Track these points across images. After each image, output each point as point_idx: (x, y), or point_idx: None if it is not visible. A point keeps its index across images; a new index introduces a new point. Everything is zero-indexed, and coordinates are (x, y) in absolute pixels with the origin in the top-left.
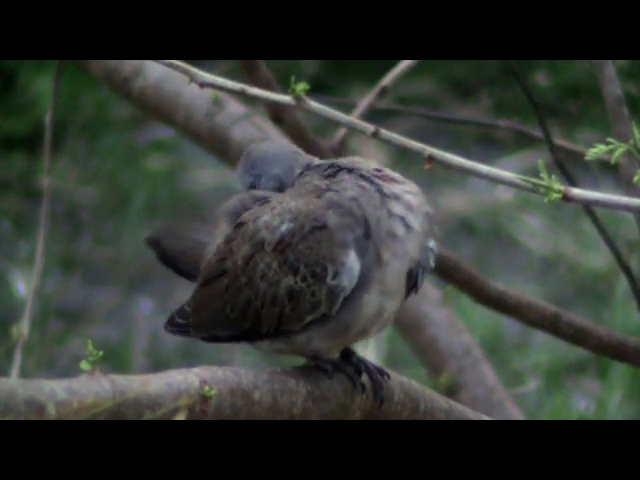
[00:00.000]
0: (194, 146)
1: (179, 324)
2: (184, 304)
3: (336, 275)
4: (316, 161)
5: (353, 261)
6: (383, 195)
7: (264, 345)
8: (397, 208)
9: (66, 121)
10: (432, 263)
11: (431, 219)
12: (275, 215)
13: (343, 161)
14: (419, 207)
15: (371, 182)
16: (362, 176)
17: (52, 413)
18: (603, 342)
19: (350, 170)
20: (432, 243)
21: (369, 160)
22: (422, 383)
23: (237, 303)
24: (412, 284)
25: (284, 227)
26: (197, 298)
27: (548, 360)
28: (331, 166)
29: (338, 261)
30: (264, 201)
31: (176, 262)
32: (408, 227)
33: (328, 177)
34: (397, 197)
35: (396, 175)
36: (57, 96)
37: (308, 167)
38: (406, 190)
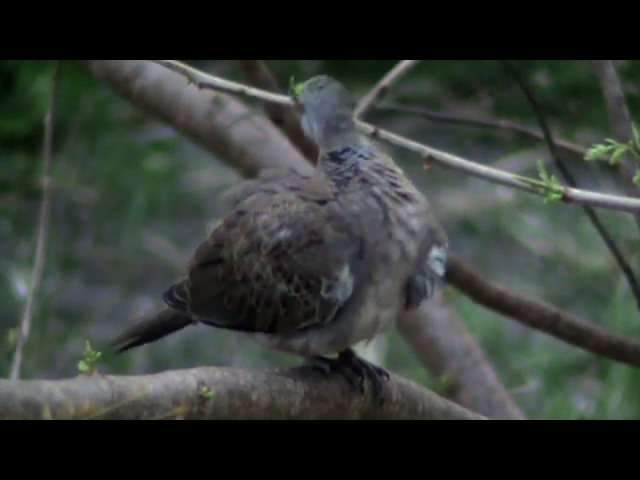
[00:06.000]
0: (194, 146)
1: (177, 300)
2: (183, 282)
3: (330, 289)
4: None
5: (347, 276)
6: (387, 218)
7: (265, 339)
8: (399, 233)
9: (66, 121)
10: (441, 271)
11: (434, 232)
12: (275, 216)
13: (365, 166)
14: (421, 230)
15: (379, 201)
16: (372, 193)
17: (48, 416)
18: (603, 342)
19: (364, 181)
20: (438, 252)
21: (393, 165)
22: (422, 383)
23: (233, 296)
24: (409, 296)
25: (282, 233)
26: (195, 278)
27: (548, 360)
28: (351, 168)
29: (332, 276)
30: (270, 190)
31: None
32: (405, 252)
33: (340, 184)
34: (401, 222)
35: (410, 191)
36: (57, 96)
37: (334, 155)
38: (412, 213)
